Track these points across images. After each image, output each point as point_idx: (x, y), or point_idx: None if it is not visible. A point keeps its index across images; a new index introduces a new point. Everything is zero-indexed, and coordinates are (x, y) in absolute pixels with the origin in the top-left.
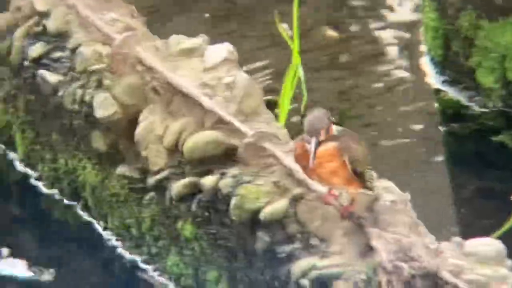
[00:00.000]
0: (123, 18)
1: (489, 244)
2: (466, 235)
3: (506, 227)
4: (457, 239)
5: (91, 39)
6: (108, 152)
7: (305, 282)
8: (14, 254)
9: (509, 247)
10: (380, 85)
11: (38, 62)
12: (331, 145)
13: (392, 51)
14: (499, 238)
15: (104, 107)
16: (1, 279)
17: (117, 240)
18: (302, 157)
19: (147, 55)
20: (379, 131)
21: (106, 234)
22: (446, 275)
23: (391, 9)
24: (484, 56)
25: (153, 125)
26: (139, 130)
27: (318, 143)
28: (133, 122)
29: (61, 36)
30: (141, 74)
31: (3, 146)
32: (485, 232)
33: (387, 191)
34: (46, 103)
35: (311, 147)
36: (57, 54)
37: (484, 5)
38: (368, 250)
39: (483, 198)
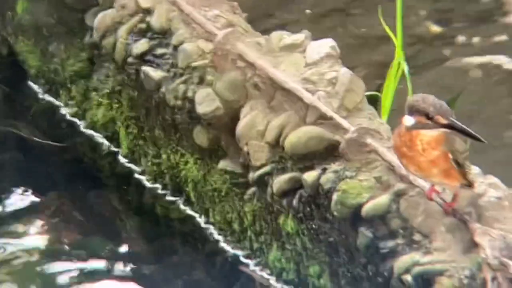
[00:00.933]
0: (225, 14)
1: None
2: None
3: None
4: None
5: (193, 35)
6: (210, 147)
7: (408, 278)
8: (118, 248)
9: None
10: (485, 80)
11: (141, 58)
12: (439, 132)
13: (500, 47)
14: None
15: (206, 103)
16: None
17: (219, 234)
18: (400, 145)
19: (248, 50)
20: (483, 126)
21: (208, 229)
22: None
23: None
24: None
25: (254, 121)
26: (240, 126)
27: (416, 125)
28: (235, 117)
29: (165, 33)
30: (243, 70)
31: (107, 142)
32: None
33: (492, 187)
34: (149, 99)
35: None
36: (160, 51)
37: None
38: (472, 246)
39: None
